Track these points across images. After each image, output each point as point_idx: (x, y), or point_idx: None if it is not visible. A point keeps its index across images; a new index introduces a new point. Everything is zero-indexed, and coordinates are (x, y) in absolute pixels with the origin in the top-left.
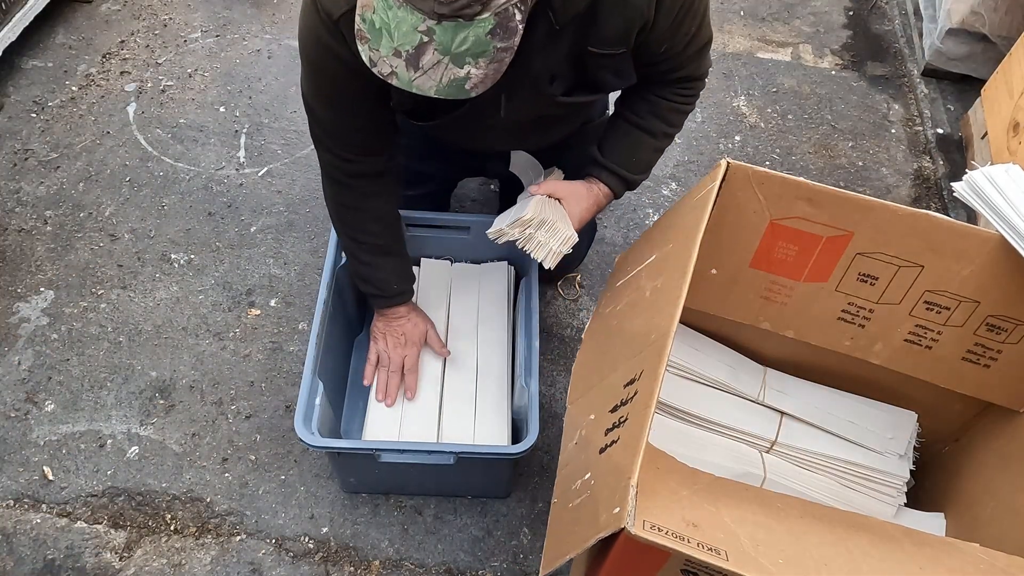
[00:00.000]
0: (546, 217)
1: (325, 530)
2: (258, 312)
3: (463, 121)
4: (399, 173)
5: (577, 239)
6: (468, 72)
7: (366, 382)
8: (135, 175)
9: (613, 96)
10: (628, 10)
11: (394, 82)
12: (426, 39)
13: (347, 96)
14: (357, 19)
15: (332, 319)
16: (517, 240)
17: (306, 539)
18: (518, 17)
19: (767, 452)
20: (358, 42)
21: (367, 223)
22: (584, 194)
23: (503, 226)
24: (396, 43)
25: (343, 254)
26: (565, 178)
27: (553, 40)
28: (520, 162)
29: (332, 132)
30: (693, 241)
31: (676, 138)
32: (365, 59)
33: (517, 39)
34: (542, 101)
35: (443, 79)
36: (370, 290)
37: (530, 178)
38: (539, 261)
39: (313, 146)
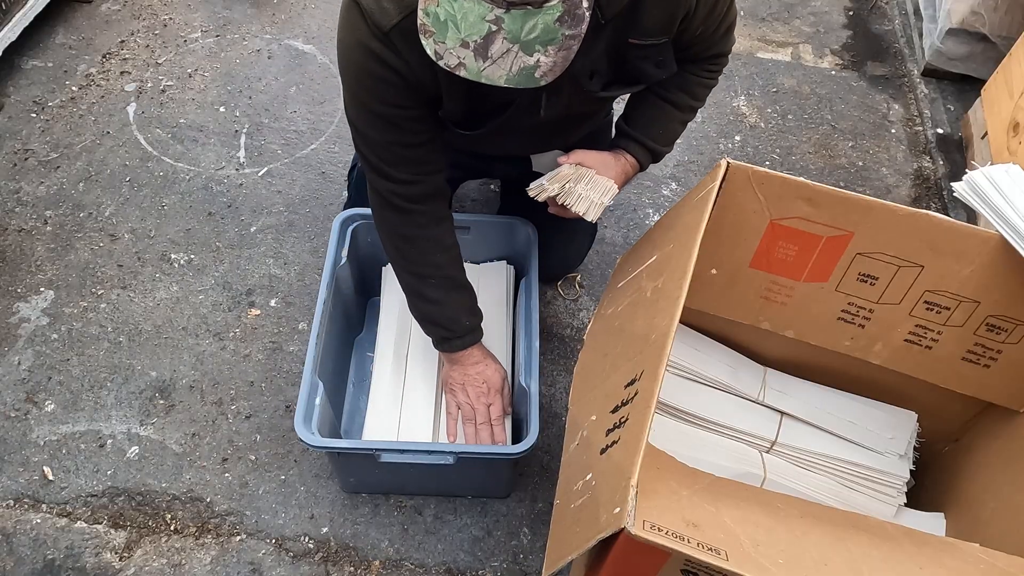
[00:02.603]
0: (584, 172)
1: (325, 530)
2: (258, 312)
3: (504, 126)
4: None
5: (618, 190)
6: (538, 60)
7: (451, 439)
8: (135, 175)
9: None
10: (672, 1)
11: (462, 73)
12: (494, 28)
13: (399, 110)
14: (420, 14)
15: (332, 319)
16: (557, 195)
17: (306, 539)
18: (585, 4)
19: (767, 452)
20: (422, 37)
21: (432, 254)
22: (612, 163)
23: (543, 182)
24: (463, 34)
25: (345, 251)
26: None
27: (595, 35)
28: (544, 161)
29: (386, 155)
30: (693, 241)
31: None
32: (430, 52)
33: (584, 27)
34: (580, 98)
35: (513, 68)
36: (440, 333)
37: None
38: (581, 214)
39: (361, 166)
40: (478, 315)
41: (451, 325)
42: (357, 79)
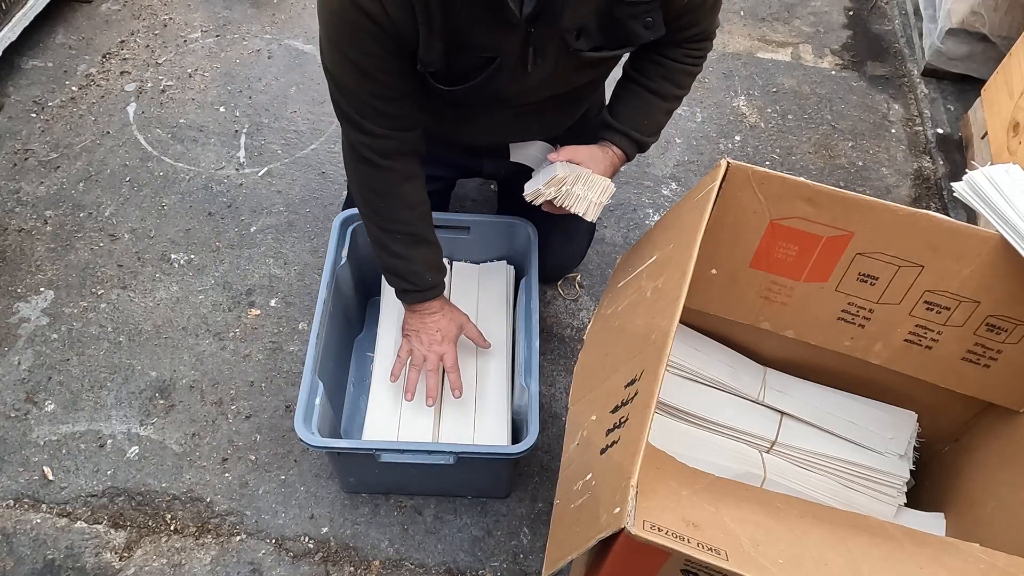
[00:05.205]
0: (580, 172)
1: (325, 530)
2: (258, 312)
3: (490, 90)
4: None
5: (615, 188)
6: None
7: (393, 379)
8: (135, 175)
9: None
10: None
11: None
12: None
13: (377, 60)
14: None
15: (332, 319)
16: (555, 198)
17: (306, 539)
18: None
19: (767, 452)
20: None
21: (400, 211)
22: (601, 157)
23: (539, 186)
24: None
25: (345, 251)
26: None
27: None
28: (526, 152)
29: (361, 106)
30: (693, 241)
31: (676, 138)
32: None
33: None
34: (568, 61)
35: None
36: (402, 285)
37: (539, 160)
38: (581, 215)
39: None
40: (442, 271)
41: (414, 279)
42: (336, 26)
